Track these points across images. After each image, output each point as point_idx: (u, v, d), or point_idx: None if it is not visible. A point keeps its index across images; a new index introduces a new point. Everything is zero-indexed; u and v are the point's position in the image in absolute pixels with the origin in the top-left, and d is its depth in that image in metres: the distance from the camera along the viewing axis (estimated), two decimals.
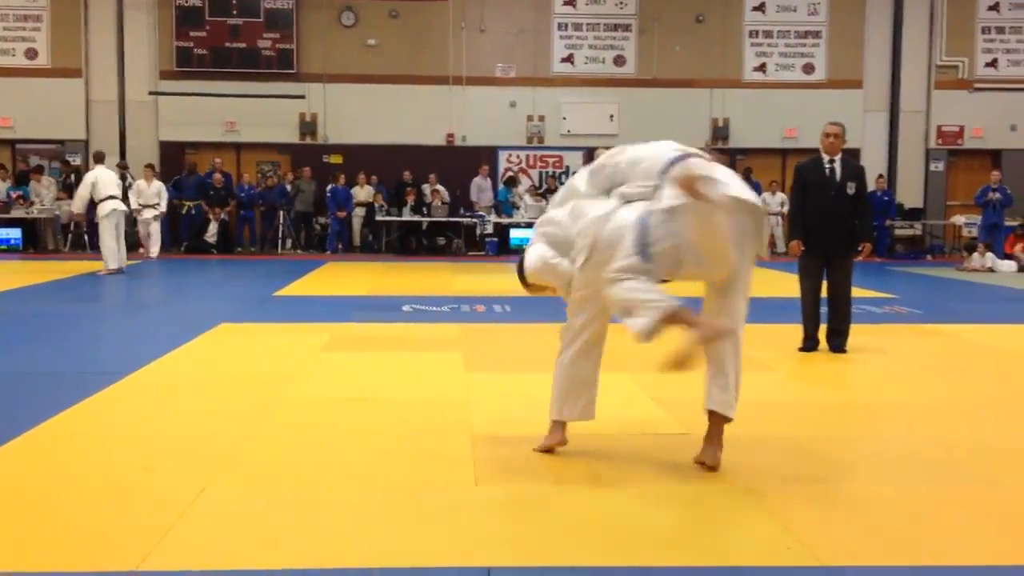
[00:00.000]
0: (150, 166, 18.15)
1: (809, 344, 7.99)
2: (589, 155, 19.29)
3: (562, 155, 21.00)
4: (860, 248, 7.78)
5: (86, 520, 3.75)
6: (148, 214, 17.32)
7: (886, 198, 19.88)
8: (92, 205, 14.31)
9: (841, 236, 7.79)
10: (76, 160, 20.23)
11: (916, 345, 8.44)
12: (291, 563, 3.33)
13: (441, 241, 19.83)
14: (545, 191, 20.61)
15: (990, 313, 10.96)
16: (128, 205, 16.12)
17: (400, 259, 18.53)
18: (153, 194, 17.34)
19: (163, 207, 17.40)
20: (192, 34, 20.22)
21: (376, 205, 19.79)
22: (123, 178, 17.97)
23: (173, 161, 20.13)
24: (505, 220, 19.92)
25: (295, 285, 13.18)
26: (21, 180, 19.78)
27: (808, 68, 21.07)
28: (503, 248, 19.48)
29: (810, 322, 8.01)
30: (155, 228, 17.46)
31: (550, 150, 21.03)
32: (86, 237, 19.20)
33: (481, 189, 20.31)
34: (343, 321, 9.39)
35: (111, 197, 14.19)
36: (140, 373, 6.65)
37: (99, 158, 14.98)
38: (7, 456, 4.61)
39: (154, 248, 17.35)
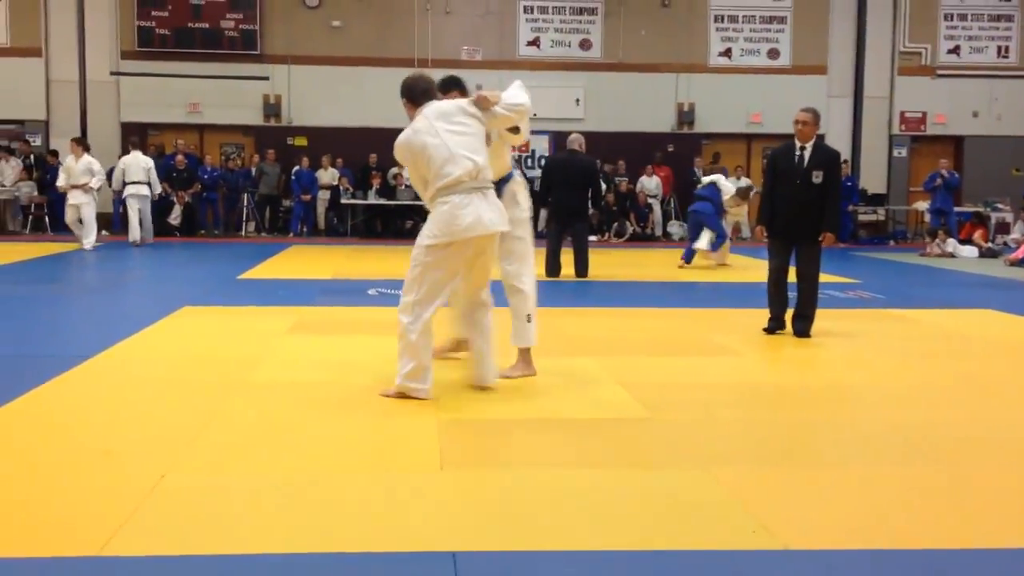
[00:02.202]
0: (76, 140, 16.13)
1: (772, 324, 8.04)
2: (555, 139, 19.33)
3: (528, 139, 20.94)
4: (821, 237, 7.79)
5: (46, 506, 3.69)
6: (78, 197, 15.30)
7: (849, 183, 20.01)
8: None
9: (806, 223, 7.80)
10: (36, 141, 19.95)
11: (879, 329, 8.51)
12: (252, 548, 3.30)
13: (408, 225, 19.75)
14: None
15: (950, 298, 11.07)
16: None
17: (366, 243, 18.44)
18: (81, 172, 15.39)
19: (95, 183, 15.50)
20: (154, 14, 19.95)
21: (341, 188, 19.67)
22: None
23: (132, 143, 19.85)
24: None
25: (259, 268, 13.08)
26: None
27: (773, 53, 21.15)
28: None
29: (774, 304, 8.06)
30: (87, 213, 15.34)
31: None
32: (47, 219, 18.98)
33: None
34: (308, 304, 9.34)
35: (135, 182, 16.52)
36: (100, 357, 6.57)
37: (134, 144, 17.36)
38: None
39: (87, 239, 15.30)
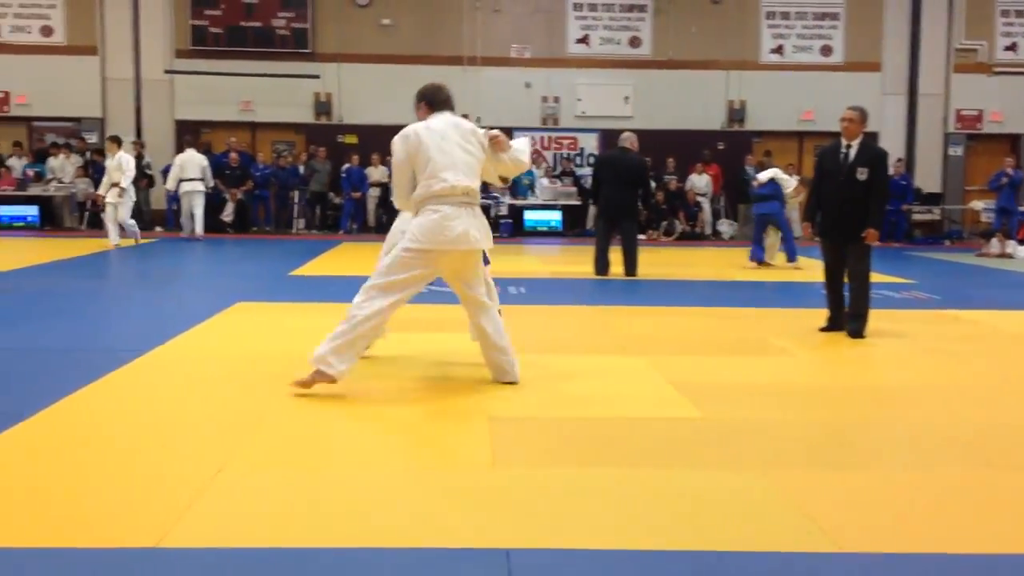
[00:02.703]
0: (111, 137, 16.12)
1: (829, 325, 8.04)
2: (604, 137, 19.27)
3: (577, 137, 20.93)
4: (864, 234, 7.72)
5: (106, 498, 3.76)
6: (112, 197, 15.20)
7: (903, 182, 19.76)
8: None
9: (851, 221, 7.74)
10: (92, 138, 20.26)
11: (934, 331, 8.40)
12: (307, 542, 3.34)
13: None
14: (560, 173, 20.56)
15: (1008, 299, 10.89)
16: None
17: None
18: (114, 169, 15.28)
19: (125, 182, 15.14)
20: (207, 12, 20.16)
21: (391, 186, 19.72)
22: (139, 157, 18.10)
23: (188, 141, 20.10)
24: (520, 202, 19.89)
25: (310, 265, 13.19)
26: (40, 157, 19.82)
27: (826, 50, 20.92)
28: (518, 229, 19.45)
29: (831, 304, 8.08)
30: (120, 212, 15.22)
31: (565, 132, 20.95)
32: (102, 215, 19.24)
33: None
34: None
35: (191, 179, 17.38)
36: (157, 351, 6.67)
37: (189, 143, 18.05)
38: (26, 433, 4.63)
39: (111, 237, 15.12)
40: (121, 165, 15.29)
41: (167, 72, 20.27)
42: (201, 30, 20.19)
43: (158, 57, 20.28)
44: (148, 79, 20.27)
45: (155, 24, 20.19)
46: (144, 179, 19.46)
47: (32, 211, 18.95)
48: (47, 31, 20.21)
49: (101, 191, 15.88)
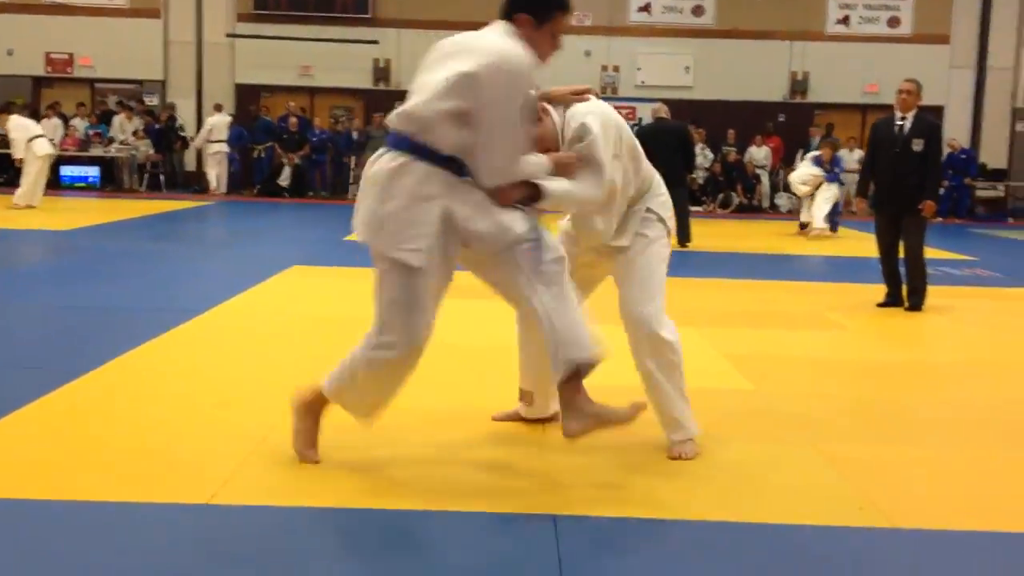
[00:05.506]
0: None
1: (887, 300, 7.95)
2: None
3: (635, 107, 20.73)
4: (921, 206, 7.62)
5: (159, 453, 3.81)
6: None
7: (963, 156, 19.34)
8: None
9: (906, 194, 7.67)
10: (153, 100, 20.49)
11: (995, 308, 8.25)
12: (355, 503, 3.36)
13: None
14: None
15: None
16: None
17: None
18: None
19: (17, 152, 14.01)
20: None
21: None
22: (171, 119, 19.75)
23: (249, 104, 20.28)
24: None
25: None
26: (104, 119, 20.10)
27: (893, 22, 20.47)
28: None
29: (888, 279, 7.98)
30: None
31: (624, 101, 20.74)
32: (161, 177, 19.52)
33: None
34: None
35: (220, 140, 18.90)
36: (214, 312, 6.74)
37: (218, 107, 19.28)
38: (84, 388, 4.71)
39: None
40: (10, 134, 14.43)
41: (228, 36, 20.41)
42: None
43: (220, 20, 20.41)
44: (209, 42, 20.43)
45: None
46: (178, 140, 19.78)
47: (94, 171, 19.22)
48: None
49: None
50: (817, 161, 14.21)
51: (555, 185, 3.53)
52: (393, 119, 3.49)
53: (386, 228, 3.44)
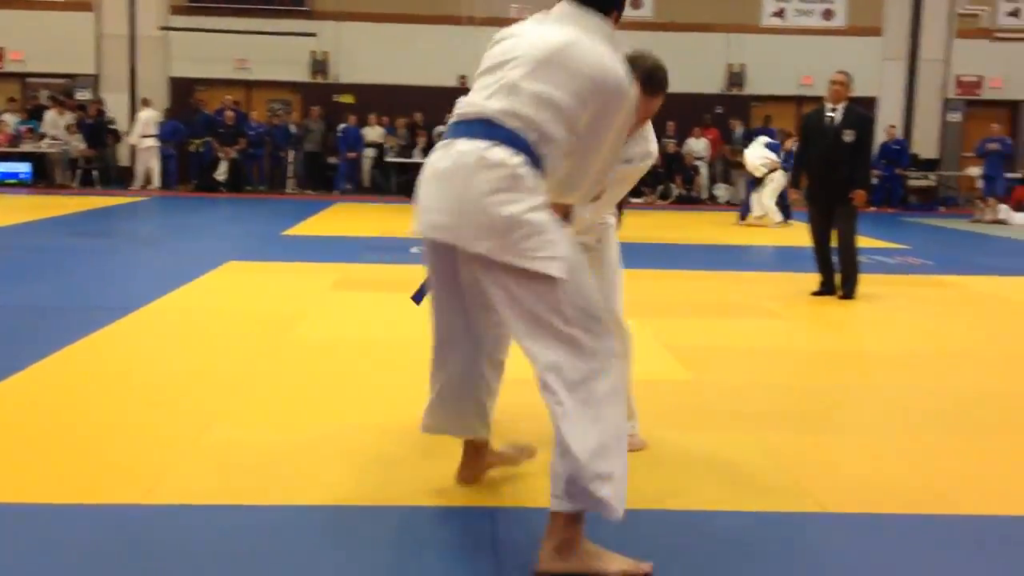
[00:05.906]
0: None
1: (821, 289, 8.07)
2: None
3: None
4: (852, 196, 7.74)
5: (92, 454, 3.75)
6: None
7: (897, 147, 19.70)
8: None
9: (837, 184, 7.81)
10: (86, 95, 20.12)
11: (926, 295, 8.40)
12: (293, 500, 3.33)
13: None
14: None
15: (1001, 265, 10.88)
16: None
17: (410, 201, 18.41)
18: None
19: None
20: None
21: (387, 146, 19.64)
22: (100, 114, 19.29)
23: (184, 98, 19.99)
24: None
25: (303, 225, 13.14)
26: (35, 114, 19.69)
27: (827, 14, 20.75)
28: None
29: (821, 268, 8.10)
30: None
31: None
32: (94, 173, 19.19)
33: None
34: (352, 261, 9.37)
35: (151, 135, 18.91)
36: (146, 309, 6.65)
37: (146, 102, 19.21)
38: (13, 389, 4.62)
39: None
40: None
41: (162, 28, 20.10)
42: None
43: (153, 13, 20.09)
44: (143, 36, 20.10)
45: None
46: (111, 135, 19.52)
47: (25, 168, 18.82)
48: None
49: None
50: (771, 146, 14.34)
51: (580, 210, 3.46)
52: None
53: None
